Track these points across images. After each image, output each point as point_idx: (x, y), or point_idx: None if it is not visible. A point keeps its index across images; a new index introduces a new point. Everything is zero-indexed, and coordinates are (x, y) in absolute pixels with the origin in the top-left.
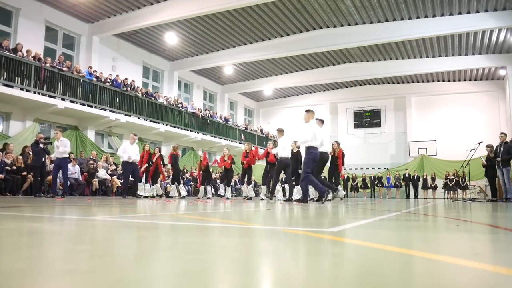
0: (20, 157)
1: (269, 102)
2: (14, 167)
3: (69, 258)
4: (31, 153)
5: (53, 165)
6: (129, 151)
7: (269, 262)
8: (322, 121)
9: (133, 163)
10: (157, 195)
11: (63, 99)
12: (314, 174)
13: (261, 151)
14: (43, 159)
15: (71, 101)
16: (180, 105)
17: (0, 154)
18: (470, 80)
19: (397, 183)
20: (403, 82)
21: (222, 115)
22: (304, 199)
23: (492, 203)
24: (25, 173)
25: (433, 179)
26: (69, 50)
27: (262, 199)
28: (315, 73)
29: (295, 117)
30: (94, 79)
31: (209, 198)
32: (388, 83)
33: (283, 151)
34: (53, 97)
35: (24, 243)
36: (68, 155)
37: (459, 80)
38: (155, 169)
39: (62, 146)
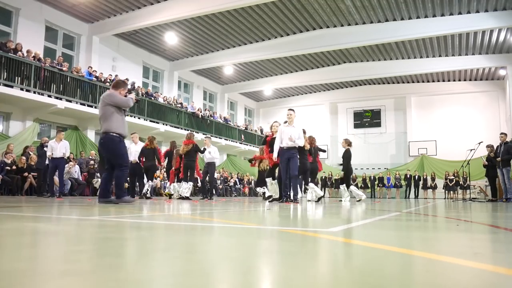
0: (24, 158)
1: (269, 102)
2: (14, 167)
3: (69, 258)
4: (31, 153)
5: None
6: (133, 153)
7: (269, 262)
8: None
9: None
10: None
11: (60, 99)
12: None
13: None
14: (46, 162)
15: (71, 101)
16: (179, 105)
17: None
18: (470, 80)
19: (397, 183)
20: (403, 82)
21: (222, 115)
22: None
23: (492, 203)
24: (26, 173)
25: (433, 179)
26: (69, 50)
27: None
28: (315, 73)
29: (295, 117)
30: (94, 79)
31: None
32: (388, 83)
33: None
34: (53, 97)
35: (24, 243)
36: (64, 156)
37: (459, 80)
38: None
39: (63, 148)
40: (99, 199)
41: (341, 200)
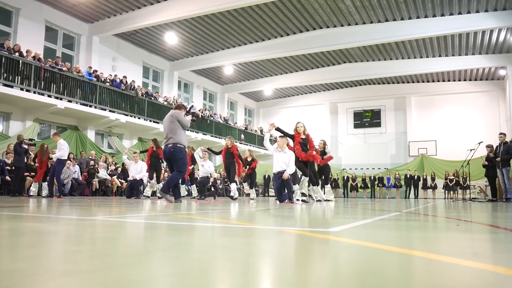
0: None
1: (269, 102)
2: (13, 168)
3: (69, 258)
4: (31, 153)
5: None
6: (132, 171)
7: (269, 262)
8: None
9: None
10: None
11: (60, 99)
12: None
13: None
14: (25, 160)
15: (71, 101)
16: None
17: None
18: (470, 80)
19: (397, 183)
20: (403, 82)
21: (222, 115)
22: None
23: (492, 203)
24: (26, 173)
25: (433, 179)
26: (69, 50)
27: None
28: (315, 73)
29: (295, 117)
30: (94, 79)
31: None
32: (388, 83)
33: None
34: (53, 97)
35: (24, 243)
36: (63, 158)
37: (459, 80)
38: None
39: (58, 150)
40: (161, 193)
41: (329, 200)
